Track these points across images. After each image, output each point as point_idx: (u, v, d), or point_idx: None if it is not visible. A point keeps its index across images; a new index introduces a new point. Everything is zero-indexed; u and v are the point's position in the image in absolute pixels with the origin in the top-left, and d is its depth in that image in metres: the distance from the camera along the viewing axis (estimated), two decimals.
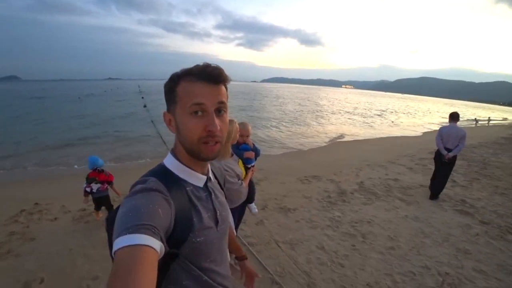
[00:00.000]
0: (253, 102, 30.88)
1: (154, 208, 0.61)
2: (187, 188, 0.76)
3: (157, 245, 0.56)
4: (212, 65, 0.72)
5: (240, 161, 2.27)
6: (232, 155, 2.22)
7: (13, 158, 7.81)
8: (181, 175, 0.77)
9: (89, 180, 3.41)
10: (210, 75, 0.70)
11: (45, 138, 10.57)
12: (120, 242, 0.53)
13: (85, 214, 3.84)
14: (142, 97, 34.38)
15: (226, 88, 0.77)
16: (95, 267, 2.67)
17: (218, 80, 0.72)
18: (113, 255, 0.53)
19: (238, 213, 2.38)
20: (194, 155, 0.74)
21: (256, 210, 2.60)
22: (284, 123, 15.48)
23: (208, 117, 0.70)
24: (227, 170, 2.04)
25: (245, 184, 2.21)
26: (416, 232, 3.41)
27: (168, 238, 0.66)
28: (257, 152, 2.41)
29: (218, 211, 0.84)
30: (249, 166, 2.34)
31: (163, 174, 0.75)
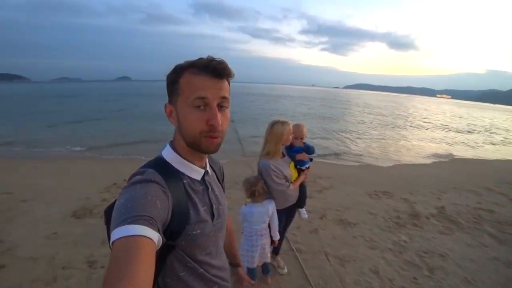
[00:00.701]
0: (331, 110, 29.55)
1: (152, 200, 0.62)
2: (184, 181, 0.77)
3: (154, 236, 0.57)
4: (217, 59, 0.71)
5: (292, 164, 2.29)
6: (283, 156, 2.25)
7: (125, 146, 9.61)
8: (179, 168, 0.78)
9: None
10: (215, 69, 0.70)
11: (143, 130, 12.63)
12: (118, 232, 0.54)
13: None
14: None
15: (229, 83, 0.77)
16: None
17: (222, 75, 0.71)
18: (110, 246, 0.54)
19: (286, 216, 2.40)
20: (195, 147, 0.75)
21: (306, 216, 2.57)
22: (363, 134, 14.32)
23: (211, 111, 0.70)
24: (274, 171, 2.08)
25: (294, 187, 2.21)
26: (506, 281, 2.80)
27: (165, 230, 0.67)
28: (309, 150, 2.34)
29: (214, 205, 0.84)
30: (303, 168, 2.33)
31: (161, 166, 0.75)
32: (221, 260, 0.91)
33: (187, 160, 0.79)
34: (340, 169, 7.30)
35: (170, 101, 0.77)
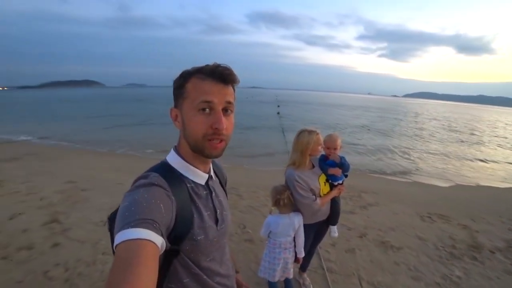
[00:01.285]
0: (385, 120, 27.15)
1: (156, 203, 0.62)
2: (188, 185, 0.77)
3: (158, 239, 0.57)
4: (223, 65, 0.72)
5: (323, 177, 2.12)
6: (312, 167, 2.11)
7: None
8: (183, 172, 0.78)
9: None
10: (221, 75, 0.71)
11: None
12: (121, 236, 0.54)
13: None
14: (278, 105, 37.72)
15: (234, 89, 0.78)
16: None
17: (227, 80, 0.73)
18: (114, 249, 0.55)
19: (315, 233, 2.24)
20: (198, 151, 0.75)
21: (336, 234, 2.35)
22: (422, 150, 12.71)
23: (215, 115, 0.71)
24: (298, 182, 1.95)
25: (322, 201, 2.03)
26: None
27: (169, 234, 0.67)
28: (344, 168, 2.13)
29: (218, 210, 0.84)
30: (335, 183, 2.15)
31: (165, 170, 0.76)
32: (226, 268, 0.90)
33: (191, 165, 0.79)
34: (389, 185, 6.70)
35: (175, 105, 0.78)
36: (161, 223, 0.60)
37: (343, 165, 2.12)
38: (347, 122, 23.64)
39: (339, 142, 2.15)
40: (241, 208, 4.36)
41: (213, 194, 0.84)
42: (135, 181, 0.70)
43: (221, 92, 0.72)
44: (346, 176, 2.21)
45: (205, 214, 0.79)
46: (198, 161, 0.80)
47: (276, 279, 2.13)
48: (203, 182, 0.82)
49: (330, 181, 2.15)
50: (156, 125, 16.70)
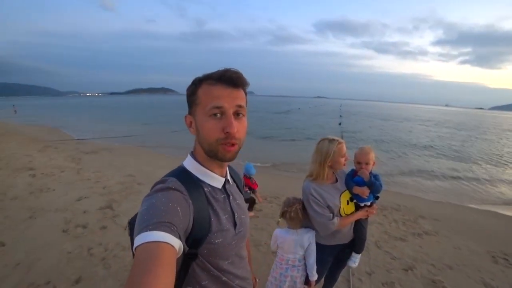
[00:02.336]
0: (465, 139, 21.58)
1: (174, 207, 0.64)
2: (205, 189, 0.78)
3: (175, 242, 0.58)
4: (232, 69, 0.74)
5: (347, 194, 1.84)
6: (335, 181, 1.84)
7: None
8: (200, 176, 0.79)
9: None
10: (230, 79, 0.72)
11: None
12: (140, 239, 0.55)
13: None
14: (340, 116, 36.09)
15: (246, 93, 0.79)
16: None
17: (237, 84, 0.74)
18: (134, 252, 0.56)
19: (335, 257, 1.96)
20: (212, 155, 0.76)
21: (355, 264, 2.00)
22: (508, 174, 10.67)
23: (226, 119, 0.72)
24: (313, 195, 1.71)
25: (342, 223, 1.75)
26: None
27: (187, 237, 0.68)
28: (374, 188, 1.81)
29: (236, 214, 0.84)
30: (361, 204, 1.86)
31: (182, 174, 0.77)
32: (245, 271, 0.90)
33: (208, 169, 0.80)
34: (456, 212, 5.65)
35: (190, 112, 0.80)
36: (179, 226, 0.62)
37: (372, 185, 1.80)
38: (418, 138, 19.78)
39: (371, 156, 1.84)
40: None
41: (231, 198, 0.85)
42: (154, 186, 0.72)
43: (231, 96, 0.73)
44: (376, 198, 1.90)
45: (223, 217, 0.79)
46: (214, 165, 0.81)
47: None
48: (220, 186, 0.83)
49: (354, 200, 1.87)
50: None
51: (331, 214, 1.73)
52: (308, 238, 1.83)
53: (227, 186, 0.85)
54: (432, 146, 15.98)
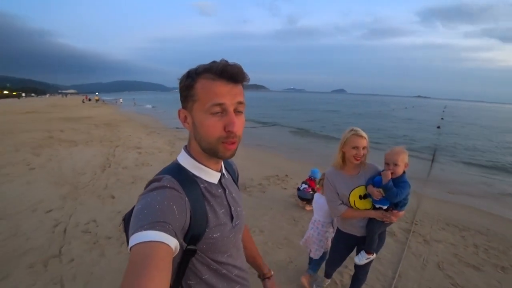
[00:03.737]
0: None
1: (169, 205, 0.63)
2: (201, 185, 0.77)
3: (171, 241, 0.58)
4: (231, 63, 0.70)
5: (361, 190, 1.80)
6: (357, 173, 1.82)
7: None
8: (195, 172, 0.78)
9: (304, 182, 4.38)
10: (231, 75, 0.69)
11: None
12: (135, 238, 0.55)
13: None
14: (442, 118, 30.65)
15: (243, 87, 0.76)
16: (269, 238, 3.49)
17: (238, 80, 0.71)
18: (129, 251, 0.56)
19: (346, 245, 2.04)
20: (211, 153, 0.74)
21: (361, 262, 1.94)
22: None
23: (228, 117, 0.69)
24: (327, 179, 1.86)
25: (348, 213, 1.80)
26: None
27: (185, 234, 0.68)
28: (390, 194, 1.67)
29: (232, 207, 0.84)
30: (376, 206, 1.78)
31: (177, 171, 0.76)
32: (242, 262, 0.92)
33: (203, 165, 0.78)
34: None
35: (184, 107, 0.76)
36: (175, 225, 0.61)
37: (388, 190, 1.67)
38: None
39: (402, 158, 1.71)
40: None
41: (227, 192, 0.84)
42: (148, 184, 0.71)
43: (232, 92, 0.70)
44: (395, 206, 1.77)
45: (220, 212, 0.79)
46: (210, 161, 0.79)
47: (301, 243, 2.65)
48: (216, 181, 0.81)
49: (368, 197, 1.81)
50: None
51: (340, 201, 1.83)
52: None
53: (222, 180, 0.84)
54: None
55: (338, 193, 1.83)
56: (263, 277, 1.14)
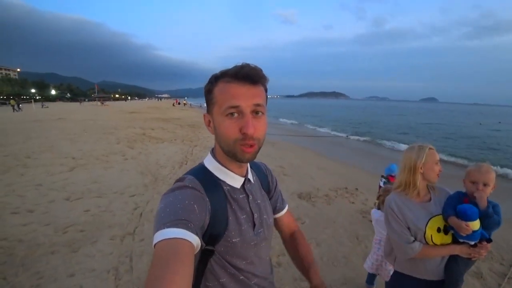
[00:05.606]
0: None
1: (190, 204, 0.65)
2: (224, 188, 0.78)
3: (193, 238, 0.59)
4: (250, 65, 0.70)
5: (439, 219, 1.41)
6: (429, 200, 1.47)
7: None
8: (219, 175, 0.79)
9: (384, 177, 3.90)
10: (247, 76, 0.69)
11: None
12: (158, 236, 0.58)
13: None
14: None
15: (266, 89, 0.76)
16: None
17: (254, 81, 0.70)
18: (153, 248, 0.58)
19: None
20: (231, 156, 0.74)
21: None
22: None
23: (243, 119, 0.69)
24: (392, 209, 1.43)
25: (424, 252, 1.37)
26: None
27: (204, 234, 0.69)
28: (489, 222, 1.33)
29: (255, 214, 0.82)
30: (460, 240, 1.37)
31: (201, 173, 0.78)
32: (264, 271, 0.88)
33: (226, 168, 0.79)
34: None
35: (208, 111, 0.78)
36: (195, 223, 0.63)
37: (488, 217, 1.33)
38: None
39: (492, 176, 1.39)
40: None
41: (250, 198, 0.83)
42: (173, 184, 0.74)
43: (248, 94, 0.69)
44: (488, 240, 1.35)
45: (241, 217, 0.78)
46: (234, 165, 0.79)
47: (366, 268, 2.40)
48: (239, 186, 0.81)
49: (450, 231, 1.39)
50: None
51: (412, 237, 1.40)
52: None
53: (247, 185, 0.83)
54: None
55: (409, 227, 1.44)
56: (314, 286, 0.98)
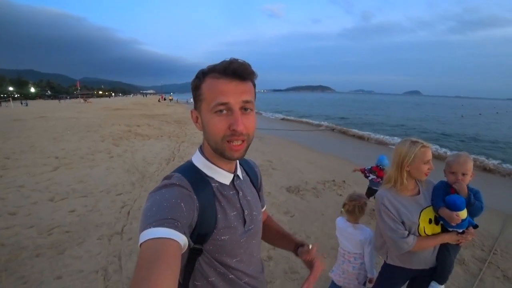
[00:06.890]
0: None
1: (177, 203, 0.64)
2: (213, 185, 0.76)
3: (179, 238, 0.58)
4: (238, 60, 0.69)
5: (429, 212, 1.47)
6: (418, 193, 1.51)
7: None
8: (207, 172, 0.77)
9: (372, 171, 3.95)
10: (235, 72, 0.67)
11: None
12: (144, 235, 0.56)
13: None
14: None
15: (254, 85, 0.75)
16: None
17: (243, 77, 0.69)
18: (139, 248, 0.57)
19: (411, 282, 1.67)
20: (219, 153, 0.73)
21: None
22: None
23: (232, 116, 0.68)
24: (385, 206, 1.45)
25: (419, 244, 1.42)
26: None
27: (192, 233, 0.68)
28: (473, 209, 1.42)
29: (245, 211, 0.81)
30: (449, 229, 1.45)
31: (189, 170, 0.76)
32: (255, 270, 0.87)
33: (215, 165, 0.78)
34: None
35: (195, 107, 0.76)
36: (183, 222, 0.62)
37: (471, 205, 1.41)
38: None
39: (470, 166, 1.45)
40: None
41: (240, 194, 0.82)
42: (161, 181, 0.73)
43: (237, 91, 0.68)
44: (475, 226, 1.45)
45: (231, 214, 0.77)
46: (222, 162, 0.78)
47: (335, 281, 2.05)
48: (228, 182, 0.80)
49: (441, 222, 1.47)
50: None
51: (406, 231, 1.44)
52: (364, 237, 1.85)
53: (236, 182, 0.82)
54: None
55: (403, 222, 1.46)
56: (298, 245, 0.98)
